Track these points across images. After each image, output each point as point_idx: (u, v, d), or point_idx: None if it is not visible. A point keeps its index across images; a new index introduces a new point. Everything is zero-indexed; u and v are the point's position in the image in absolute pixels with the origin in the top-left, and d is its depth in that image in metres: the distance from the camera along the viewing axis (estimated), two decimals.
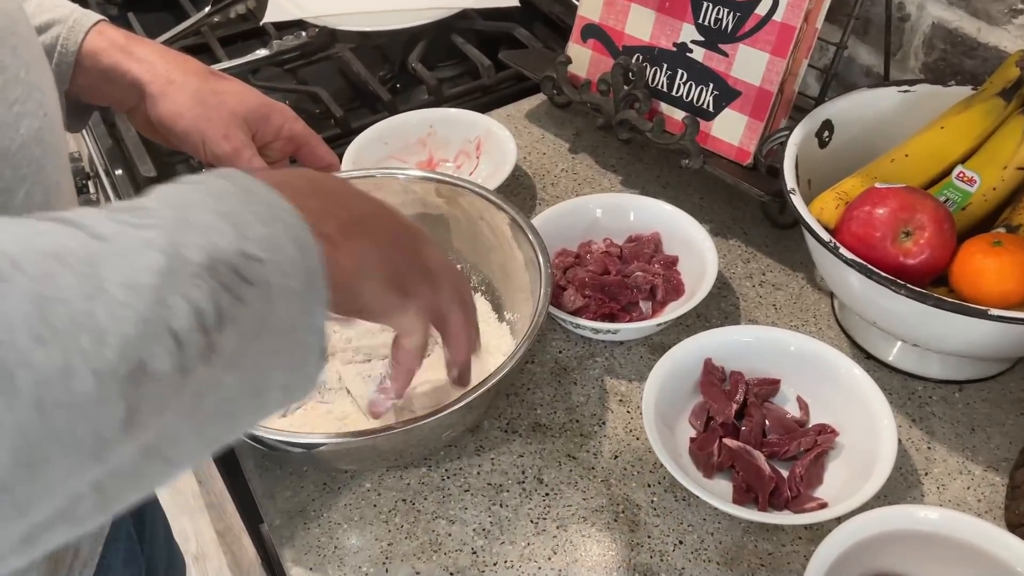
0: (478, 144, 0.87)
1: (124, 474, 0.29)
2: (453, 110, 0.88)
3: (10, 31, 0.42)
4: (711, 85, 0.76)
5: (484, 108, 0.92)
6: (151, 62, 0.61)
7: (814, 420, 0.62)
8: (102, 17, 0.61)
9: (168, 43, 1.00)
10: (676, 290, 0.71)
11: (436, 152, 0.88)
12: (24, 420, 0.24)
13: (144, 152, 0.87)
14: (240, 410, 0.34)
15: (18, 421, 0.24)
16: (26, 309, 0.25)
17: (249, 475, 0.63)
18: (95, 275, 0.28)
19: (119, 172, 0.89)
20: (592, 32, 0.83)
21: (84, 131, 0.95)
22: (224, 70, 0.96)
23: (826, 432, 0.60)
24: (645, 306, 0.70)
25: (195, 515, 1.68)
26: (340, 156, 0.83)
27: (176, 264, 0.30)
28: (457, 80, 1.01)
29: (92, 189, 0.98)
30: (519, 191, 0.85)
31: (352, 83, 1.03)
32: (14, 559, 0.28)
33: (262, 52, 0.98)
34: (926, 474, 0.60)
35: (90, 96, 0.62)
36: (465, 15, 1.04)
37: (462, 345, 0.51)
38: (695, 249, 0.72)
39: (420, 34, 1.02)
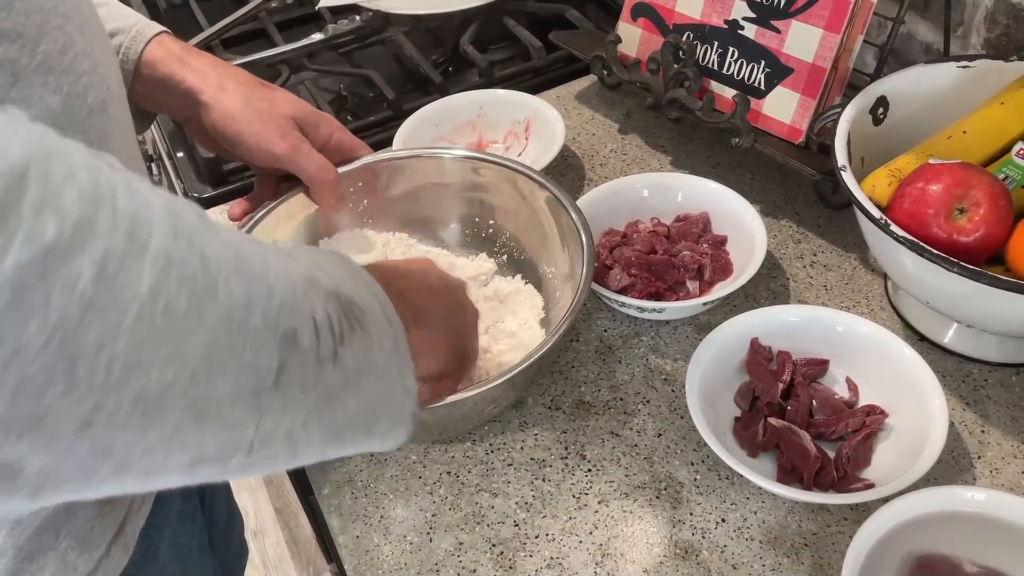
0: (527, 125, 0.87)
1: (268, 440, 0.33)
2: (502, 91, 0.88)
3: (76, 11, 0.44)
4: (763, 62, 0.75)
5: (535, 90, 0.92)
6: (204, 72, 0.64)
7: (863, 401, 0.61)
8: (164, 29, 0.64)
9: (227, 28, 1.03)
10: (724, 270, 0.70)
11: (485, 133, 0.89)
12: (217, 326, 0.30)
13: None
14: (349, 435, 0.38)
15: (213, 326, 0.30)
16: (227, 252, 0.31)
17: None
18: (265, 257, 0.33)
19: (180, 155, 0.92)
20: (642, 11, 0.82)
21: None
22: (280, 54, 0.99)
23: (875, 413, 0.59)
24: (692, 286, 0.70)
25: (254, 491, 1.73)
26: (391, 138, 0.84)
27: (315, 280, 0.36)
28: (508, 62, 1.02)
29: (155, 171, 1.01)
30: (567, 172, 0.85)
31: (405, 66, 1.04)
32: (176, 478, 0.32)
33: (317, 36, 1.00)
34: (979, 458, 0.59)
35: (148, 104, 0.65)
36: None
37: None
38: (744, 229, 0.71)
39: (472, 17, 1.02)
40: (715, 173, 0.82)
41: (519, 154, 0.87)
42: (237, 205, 0.70)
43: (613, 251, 0.72)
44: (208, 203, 0.86)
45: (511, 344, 0.66)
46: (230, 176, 0.87)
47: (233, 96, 0.63)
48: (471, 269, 0.71)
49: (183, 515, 0.64)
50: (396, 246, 0.73)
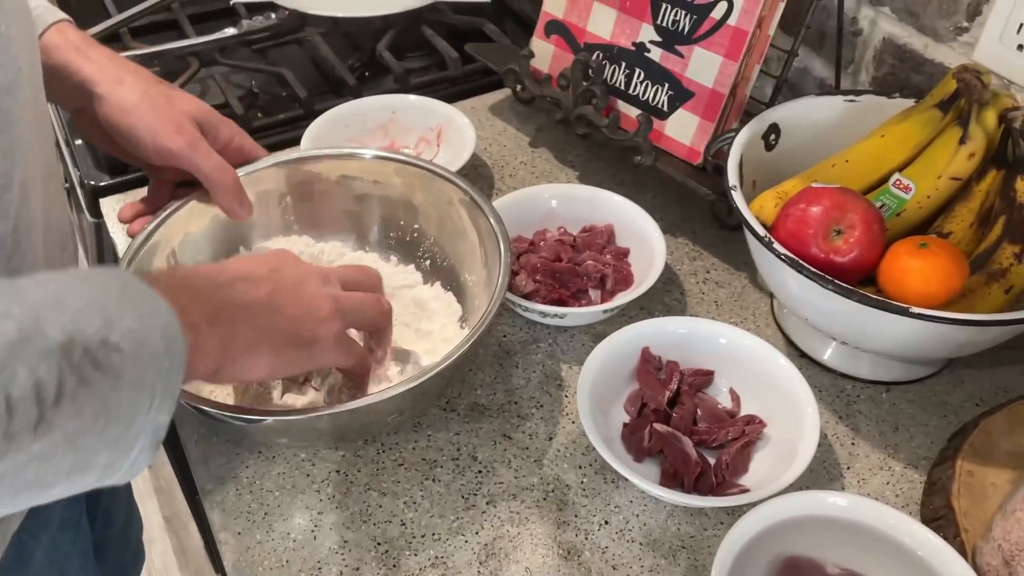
0: (439, 132, 0.88)
1: None
2: (415, 97, 0.89)
3: None
4: (666, 85, 0.78)
5: (449, 99, 0.93)
6: (102, 63, 0.61)
7: (745, 411, 0.64)
8: (66, 17, 0.62)
9: (138, 16, 1.00)
10: (625, 280, 0.72)
11: (397, 138, 0.89)
12: None
13: None
14: (56, 482, 0.36)
15: None
16: None
17: (185, 440, 0.63)
18: None
19: (79, 142, 0.89)
20: (555, 28, 0.84)
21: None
22: (192, 47, 0.97)
23: (754, 423, 0.62)
24: (594, 295, 0.72)
25: (143, 499, 1.67)
26: (300, 137, 0.83)
27: (32, 337, 0.33)
28: (424, 71, 1.03)
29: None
30: (477, 180, 0.86)
31: (319, 67, 1.03)
32: None
33: (231, 31, 0.98)
34: (848, 468, 0.62)
35: None
36: (436, 7, 1.05)
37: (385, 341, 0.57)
38: (646, 243, 0.73)
39: (390, 24, 1.03)
40: (619, 190, 0.84)
41: (431, 160, 0.87)
42: (128, 208, 0.67)
43: (520, 257, 0.73)
44: (106, 191, 0.83)
45: (426, 349, 0.65)
46: (130, 166, 0.85)
47: (130, 90, 0.61)
48: (399, 279, 0.71)
49: (65, 522, 0.61)
50: (328, 255, 0.72)
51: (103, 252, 0.87)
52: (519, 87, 0.89)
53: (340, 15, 1.00)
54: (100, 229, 0.84)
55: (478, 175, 0.87)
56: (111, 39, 0.98)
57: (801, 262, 0.57)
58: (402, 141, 0.89)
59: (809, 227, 0.60)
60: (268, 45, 1.03)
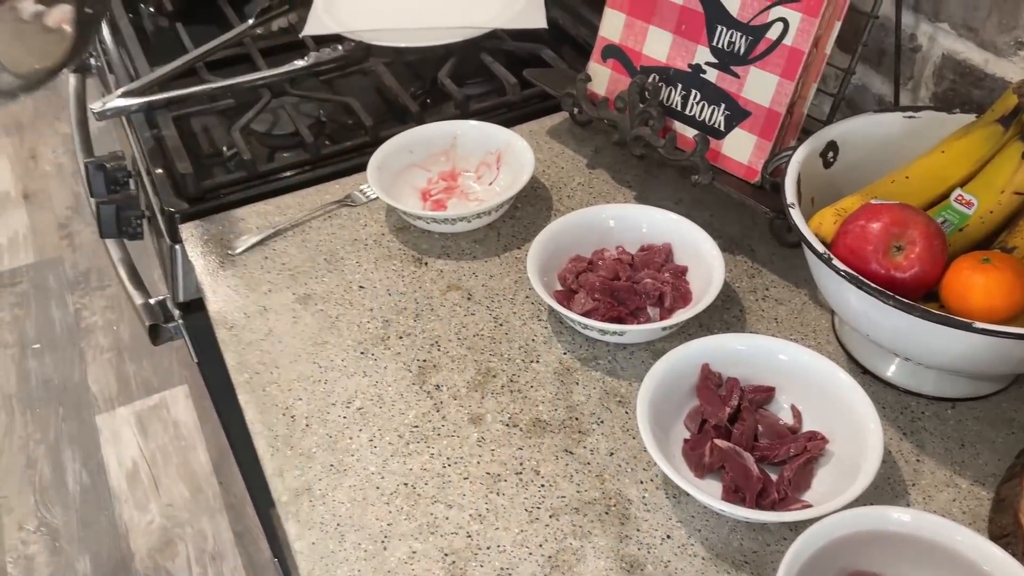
0: (498, 156, 0.90)
1: None
2: (476, 122, 0.92)
3: None
4: (723, 105, 0.79)
5: (508, 124, 0.95)
6: None
7: (806, 428, 0.64)
8: None
9: (212, 52, 1.06)
10: (684, 298, 0.73)
11: (458, 163, 0.92)
12: None
13: (183, 152, 0.92)
14: None
15: None
16: None
17: (261, 454, 0.66)
18: None
19: (159, 171, 0.93)
20: (612, 52, 0.86)
21: (128, 131, 1.01)
22: (263, 79, 1.02)
23: (816, 439, 0.62)
24: (653, 312, 0.73)
25: (214, 515, 1.72)
26: (367, 163, 0.87)
27: None
28: (484, 96, 1.05)
29: (132, 186, 1.03)
30: (536, 202, 0.88)
31: (383, 96, 1.07)
32: None
33: (300, 63, 1.03)
34: (913, 485, 0.62)
35: None
36: (495, 35, 1.08)
37: None
38: (704, 260, 0.74)
39: (450, 52, 1.06)
40: (677, 209, 0.85)
41: (490, 183, 0.90)
42: None
43: (579, 276, 0.74)
44: (185, 218, 0.88)
45: None
46: (208, 193, 0.89)
47: None
48: None
49: None
50: None
51: (178, 273, 0.91)
52: (576, 110, 0.91)
53: (403, 45, 1.04)
54: (178, 253, 0.88)
55: (537, 197, 0.89)
56: (188, 73, 1.03)
57: (861, 278, 0.58)
58: (463, 166, 0.92)
59: (869, 243, 0.60)
60: (335, 75, 1.07)
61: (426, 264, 0.82)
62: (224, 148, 1.00)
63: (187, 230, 0.87)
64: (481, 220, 0.83)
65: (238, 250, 0.83)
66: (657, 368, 0.64)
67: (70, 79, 1.35)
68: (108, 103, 0.94)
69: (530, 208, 0.88)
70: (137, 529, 1.70)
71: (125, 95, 0.96)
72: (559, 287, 0.76)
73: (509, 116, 1.00)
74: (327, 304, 0.78)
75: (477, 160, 0.92)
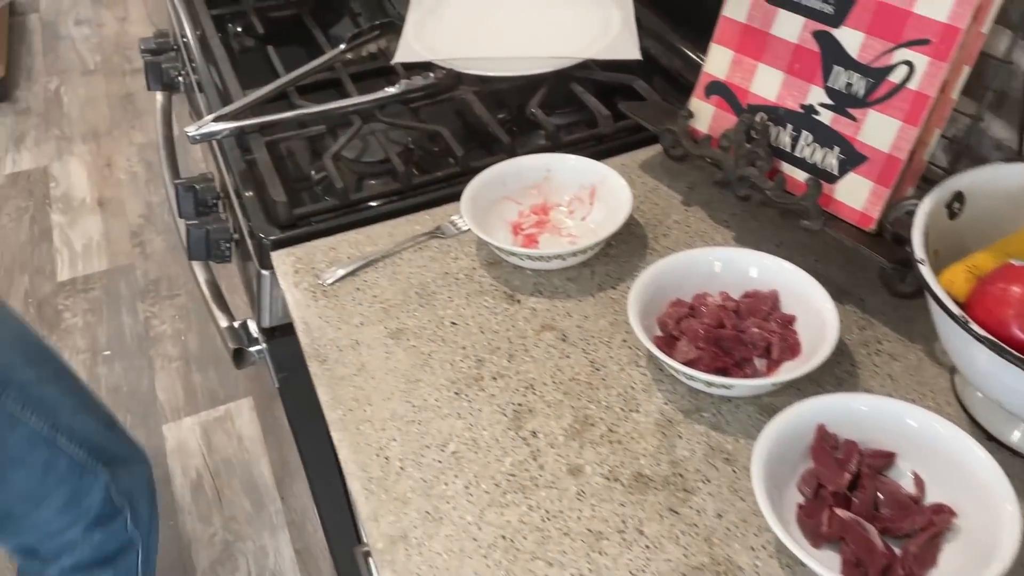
0: (592, 191, 0.88)
1: None
2: (571, 156, 0.90)
3: None
4: (836, 148, 0.75)
5: (599, 156, 0.93)
6: None
7: (930, 499, 0.60)
8: None
9: (303, 77, 1.06)
10: (792, 350, 0.70)
11: (550, 196, 0.90)
12: None
13: (276, 178, 0.91)
14: None
15: None
16: None
17: (355, 496, 0.65)
18: None
19: (249, 194, 0.93)
20: (716, 89, 0.84)
21: (218, 154, 1.01)
22: (355, 106, 1.01)
23: (943, 512, 0.58)
24: (759, 363, 0.70)
25: (276, 531, 1.72)
26: (460, 193, 0.85)
27: None
28: (574, 127, 1.04)
29: (221, 209, 1.03)
30: (630, 239, 0.86)
31: (470, 124, 1.06)
32: None
33: (391, 90, 1.02)
34: None
35: None
36: (584, 64, 1.06)
37: None
38: (813, 310, 0.71)
39: (540, 81, 1.04)
40: (779, 252, 0.82)
41: (583, 218, 0.88)
42: None
43: (680, 322, 0.72)
44: (276, 245, 0.87)
45: None
46: (299, 220, 0.89)
47: None
48: None
49: None
50: None
51: (265, 298, 0.90)
52: (674, 147, 0.88)
53: (494, 74, 1.03)
54: (266, 279, 0.88)
55: (631, 235, 0.86)
56: (280, 97, 1.04)
57: (1004, 347, 0.54)
58: (555, 199, 0.90)
59: (1010, 307, 0.56)
60: (424, 103, 1.06)
61: (518, 301, 0.80)
62: (312, 172, 1.00)
63: (278, 257, 0.86)
64: (576, 258, 0.81)
65: (330, 281, 0.82)
66: (771, 428, 0.61)
67: (157, 96, 1.37)
68: (202, 128, 0.94)
69: (624, 246, 0.85)
70: (200, 541, 1.71)
71: (218, 119, 0.96)
72: (659, 332, 0.73)
73: (600, 148, 0.98)
74: (419, 340, 0.77)
75: (570, 194, 0.90)
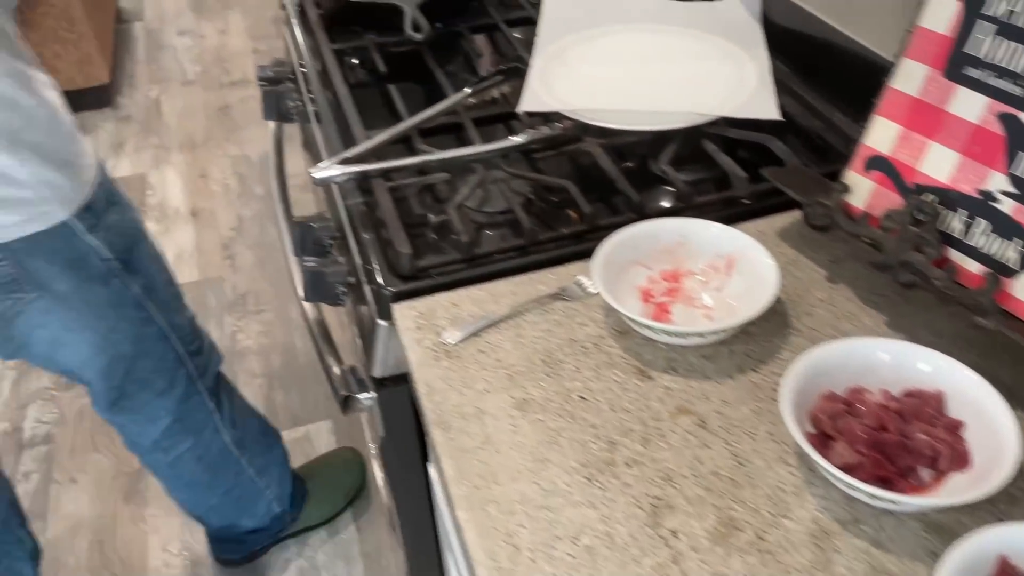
0: (730, 261, 0.83)
1: None
2: (714, 224, 0.84)
3: None
4: (1018, 240, 0.69)
5: (733, 219, 0.88)
6: None
7: None
8: None
9: (427, 120, 1.04)
10: (960, 461, 0.64)
11: (683, 263, 0.85)
12: None
13: (400, 227, 0.89)
14: None
15: None
16: None
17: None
18: None
19: (370, 239, 0.91)
20: (878, 164, 0.78)
21: (336, 195, 0.99)
22: (478, 154, 0.99)
23: None
24: (925, 474, 0.64)
25: (351, 562, 1.70)
26: (586, 251, 0.81)
27: None
28: (705, 186, 0.99)
29: (336, 251, 1.01)
30: (771, 316, 0.81)
31: (594, 178, 1.02)
32: None
33: (516, 139, 0.99)
34: None
35: None
36: (715, 121, 1.02)
37: None
38: (985, 419, 0.65)
39: (670, 136, 1.00)
40: (937, 343, 0.76)
41: (719, 289, 0.83)
42: None
43: (836, 420, 0.66)
44: (397, 297, 0.84)
45: None
46: (421, 272, 0.86)
47: None
48: None
49: None
50: None
51: (378, 348, 0.88)
52: (821, 219, 0.83)
53: (623, 128, 0.99)
54: (382, 328, 0.85)
55: (772, 311, 0.81)
56: (403, 140, 1.02)
57: None
58: (688, 267, 0.85)
59: None
60: (547, 154, 1.03)
61: (651, 378, 0.76)
62: (431, 218, 0.98)
63: (400, 311, 0.84)
64: (716, 336, 0.76)
65: (453, 341, 0.79)
66: (951, 560, 0.55)
67: (270, 125, 1.37)
68: (326, 171, 0.93)
69: (765, 323, 0.80)
70: (274, 566, 1.70)
71: (343, 162, 0.95)
72: (811, 429, 0.67)
73: (733, 212, 0.93)
74: (546, 414, 0.73)
75: (705, 262, 0.85)
